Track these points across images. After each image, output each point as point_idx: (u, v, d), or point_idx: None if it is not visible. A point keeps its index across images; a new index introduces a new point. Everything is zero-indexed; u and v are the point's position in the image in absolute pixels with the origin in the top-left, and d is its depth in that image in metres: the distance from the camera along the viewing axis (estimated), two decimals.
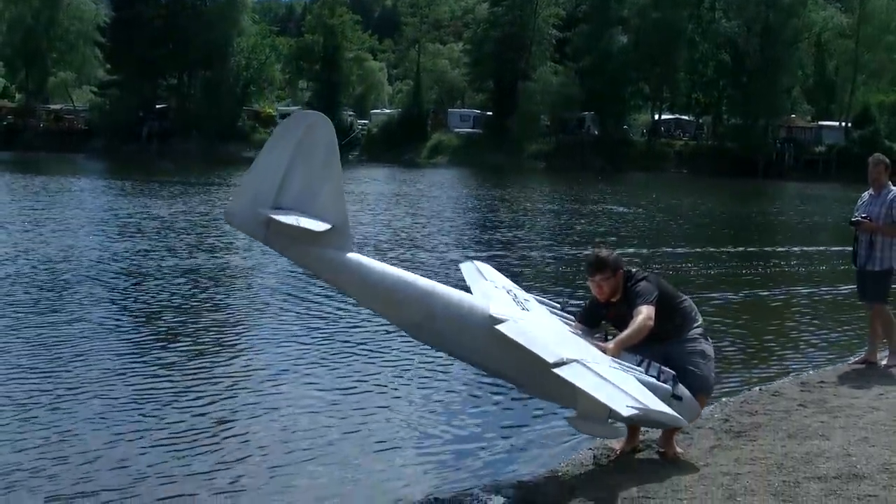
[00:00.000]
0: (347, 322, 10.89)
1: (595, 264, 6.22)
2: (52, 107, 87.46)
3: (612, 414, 5.16)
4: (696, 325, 6.31)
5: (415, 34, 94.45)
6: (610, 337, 6.19)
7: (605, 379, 5.07)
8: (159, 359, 9.01)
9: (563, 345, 5.56)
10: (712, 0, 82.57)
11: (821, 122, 79.54)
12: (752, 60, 74.52)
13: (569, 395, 5.31)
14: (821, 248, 22.71)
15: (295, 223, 5.41)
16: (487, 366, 6.13)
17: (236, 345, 9.92)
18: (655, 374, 5.76)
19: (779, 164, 72.67)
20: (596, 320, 6.46)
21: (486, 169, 62.12)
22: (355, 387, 8.17)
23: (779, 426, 6.85)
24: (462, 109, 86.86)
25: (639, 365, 5.79)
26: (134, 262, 15.26)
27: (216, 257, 16.33)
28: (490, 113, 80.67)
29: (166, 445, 6.52)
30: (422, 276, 6.10)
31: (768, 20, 74.89)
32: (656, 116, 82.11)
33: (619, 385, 5.04)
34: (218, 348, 9.66)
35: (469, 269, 7.31)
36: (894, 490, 5.20)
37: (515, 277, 14.62)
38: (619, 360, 5.68)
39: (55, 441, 6.52)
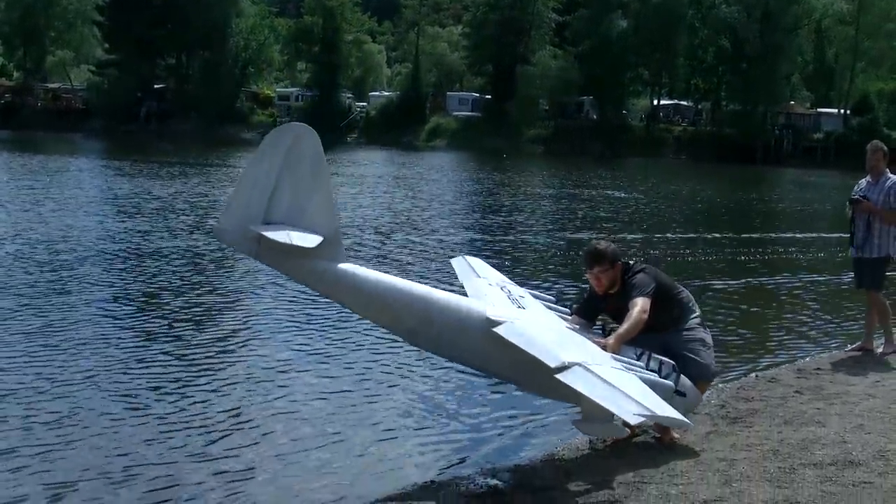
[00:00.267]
0: None
1: (593, 256, 6.24)
2: (50, 85, 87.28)
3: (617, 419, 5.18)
4: (693, 315, 6.34)
5: (414, 17, 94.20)
6: (609, 330, 6.18)
7: (608, 384, 5.04)
8: (161, 343, 8.96)
9: (563, 345, 5.54)
10: None
11: (820, 109, 79.42)
12: (751, 46, 74.28)
13: (571, 393, 5.31)
14: (820, 234, 22.80)
15: (286, 240, 5.32)
16: (487, 368, 6.15)
17: (239, 330, 9.82)
18: (656, 367, 5.78)
19: (777, 151, 72.77)
20: (594, 313, 6.46)
21: (485, 153, 61.97)
22: (364, 374, 8.15)
23: (775, 413, 6.89)
24: (461, 93, 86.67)
25: (638, 358, 5.80)
26: (133, 243, 15.24)
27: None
28: (489, 96, 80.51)
29: (171, 431, 6.48)
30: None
31: (768, 6, 74.65)
32: (655, 102, 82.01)
33: (623, 390, 5.00)
34: (221, 333, 9.57)
35: (461, 265, 7.27)
36: (889, 477, 5.23)
37: (516, 262, 14.75)
38: (619, 357, 5.68)
39: (54, 427, 6.46)
